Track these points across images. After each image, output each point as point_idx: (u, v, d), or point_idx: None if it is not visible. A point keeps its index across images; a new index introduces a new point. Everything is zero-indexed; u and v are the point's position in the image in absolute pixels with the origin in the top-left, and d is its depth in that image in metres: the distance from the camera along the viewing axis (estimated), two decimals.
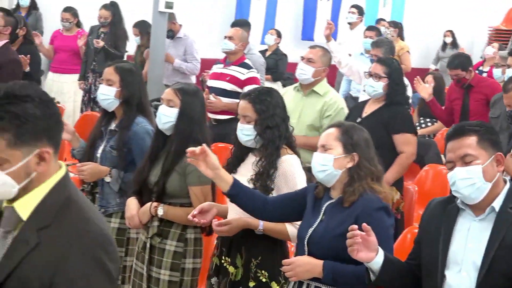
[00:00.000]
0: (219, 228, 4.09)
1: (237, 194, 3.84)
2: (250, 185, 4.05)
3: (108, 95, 4.84)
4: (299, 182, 4.10)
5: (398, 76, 5.93)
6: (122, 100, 4.83)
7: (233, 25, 9.14)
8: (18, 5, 10.79)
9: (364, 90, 6.20)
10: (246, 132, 4.18)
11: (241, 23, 9.46)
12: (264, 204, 3.88)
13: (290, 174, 4.08)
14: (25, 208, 2.28)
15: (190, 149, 3.76)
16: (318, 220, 3.68)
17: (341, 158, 3.65)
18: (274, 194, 4.04)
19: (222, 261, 4.22)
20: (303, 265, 3.61)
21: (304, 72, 6.18)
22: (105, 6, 9.84)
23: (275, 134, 4.11)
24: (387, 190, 3.69)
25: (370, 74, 6.01)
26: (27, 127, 2.23)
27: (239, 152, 4.28)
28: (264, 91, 4.28)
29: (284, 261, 3.69)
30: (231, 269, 4.17)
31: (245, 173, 4.14)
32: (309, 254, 3.66)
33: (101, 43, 9.54)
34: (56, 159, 2.35)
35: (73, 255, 2.21)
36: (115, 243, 2.37)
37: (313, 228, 3.67)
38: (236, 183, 3.84)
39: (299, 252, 3.74)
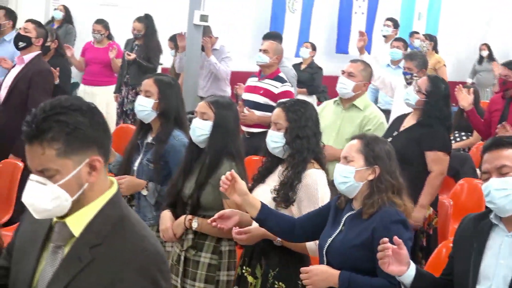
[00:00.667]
0: (238, 236, 4.09)
1: (265, 218, 3.87)
2: (273, 195, 4.07)
3: (145, 106, 4.86)
4: (321, 197, 4.08)
5: (436, 100, 5.81)
6: (159, 112, 4.85)
7: (265, 37, 9.14)
8: (53, 18, 10.90)
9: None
10: (275, 139, 4.20)
11: (273, 35, 9.47)
12: (292, 227, 3.90)
13: (313, 188, 4.07)
14: (77, 224, 2.27)
15: (222, 179, 3.83)
16: (338, 231, 3.71)
17: (363, 171, 3.67)
18: (295, 206, 4.05)
19: (243, 270, 4.24)
20: (320, 274, 3.63)
21: (345, 86, 6.16)
22: (138, 19, 9.90)
23: (304, 145, 4.12)
24: (408, 204, 3.69)
25: (414, 84, 5.99)
26: (76, 135, 2.23)
27: (269, 163, 4.31)
28: (299, 102, 4.31)
29: (302, 269, 3.71)
30: (250, 279, 4.19)
31: (272, 184, 4.16)
32: (327, 264, 3.69)
33: (132, 56, 9.59)
34: (106, 173, 2.35)
35: (128, 274, 2.20)
36: (168, 261, 2.37)
37: (331, 239, 3.70)
38: (264, 207, 3.87)
39: (319, 261, 3.76)
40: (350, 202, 3.75)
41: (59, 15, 10.80)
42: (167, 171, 4.76)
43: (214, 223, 4.03)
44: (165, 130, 4.82)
